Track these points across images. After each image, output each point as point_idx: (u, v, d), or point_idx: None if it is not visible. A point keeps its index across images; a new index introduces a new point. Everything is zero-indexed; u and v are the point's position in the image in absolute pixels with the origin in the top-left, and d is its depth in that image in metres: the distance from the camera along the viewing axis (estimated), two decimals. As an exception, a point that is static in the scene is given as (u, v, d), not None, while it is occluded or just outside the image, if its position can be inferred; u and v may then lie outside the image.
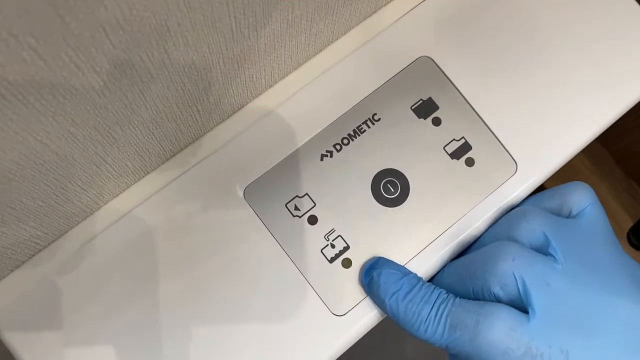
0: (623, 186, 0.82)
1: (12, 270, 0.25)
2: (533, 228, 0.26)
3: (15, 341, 0.26)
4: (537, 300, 0.23)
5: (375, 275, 0.26)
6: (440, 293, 0.25)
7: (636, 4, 0.31)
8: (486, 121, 0.30)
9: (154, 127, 0.23)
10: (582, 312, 0.23)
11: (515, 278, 0.24)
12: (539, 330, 0.23)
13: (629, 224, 0.80)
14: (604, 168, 0.82)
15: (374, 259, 0.27)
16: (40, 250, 0.26)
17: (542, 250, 0.25)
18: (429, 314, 0.24)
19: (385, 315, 0.28)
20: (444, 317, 0.24)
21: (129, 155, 0.24)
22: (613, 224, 0.76)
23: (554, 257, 0.25)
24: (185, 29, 0.18)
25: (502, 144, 0.30)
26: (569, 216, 0.27)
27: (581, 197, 0.27)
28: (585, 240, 0.26)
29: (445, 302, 0.24)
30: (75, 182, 0.22)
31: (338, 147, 0.29)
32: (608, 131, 0.78)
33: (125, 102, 0.20)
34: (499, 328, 0.23)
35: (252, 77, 0.26)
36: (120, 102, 0.20)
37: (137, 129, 0.22)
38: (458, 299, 0.24)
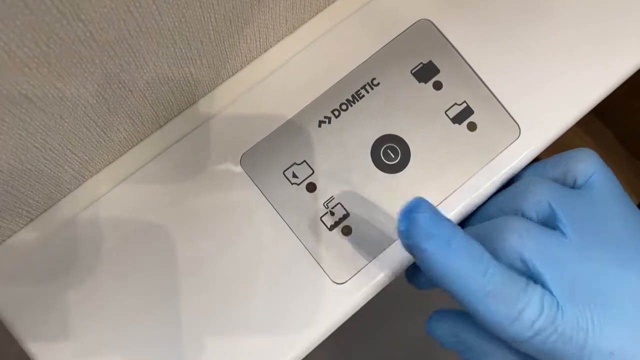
0: (627, 165, 0.82)
1: (3, 240, 0.25)
2: (539, 200, 0.25)
3: (8, 311, 0.25)
4: (553, 281, 0.22)
5: (416, 217, 0.23)
6: (489, 256, 0.23)
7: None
8: (489, 85, 0.29)
9: (145, 89, 0.22)
10: (596, 289, 0.22)
11: (523, 258, 0.23)
12: (564, 312, 0.22)
13: (634, 201, 0.79)
14: (607, 147, 0.81)
15: (413, 201, 0.24)
16: (32, 220, 0.25)
17: (549, 223, 0.25)
18: (472, 273, 0.23)
19: (386, 283, 0.27)
20: (482, 282, 0.22)
21: (120, 119, 0.23)
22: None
23: (562, 231, 0.24)
24: (173, -24, 0.18)
25: (505, 108, 0.29)
26: (574, 185, 0.26)
27: (586, 165, 0.26)
28: (595, 211, 0.25)
29: (484, 264, 0.23)
30: (65, 145, 0.22)
31: (336, 113, 0.28)
32: (611, 111, 0.77)
33: (114, 57, 0.19)
34: (538, 309, 0.22)
35: (246, 39, 0.25)
36: (108, 58, 0.19)
37: (128, 89, 0.21)
38: (505, 268, 0.23)
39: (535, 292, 0.22)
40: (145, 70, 0.21)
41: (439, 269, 0.23)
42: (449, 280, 0.23)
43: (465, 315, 0.26)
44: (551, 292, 0.22)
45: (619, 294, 0.22)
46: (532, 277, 0.23)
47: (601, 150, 0.81)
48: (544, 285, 0.23)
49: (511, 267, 0.23)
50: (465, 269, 0.22)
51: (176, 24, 0.20)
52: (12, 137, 0.19)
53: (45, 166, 0.22)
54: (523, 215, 0.26)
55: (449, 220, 0.23)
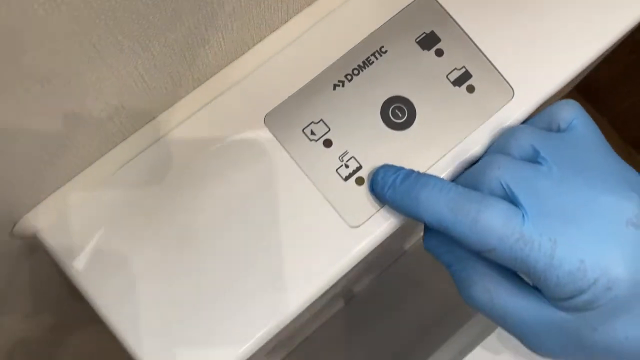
0: (621, 152, 0.85)
1: (57, 189, 0.28)
2: (522, 143, 0.29)
3: (62, 253, 0.28)
4: (524, 200, 0.26)
5: (374, 175, 0.29)
6: (440, 179, 0.28)
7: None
8: (484, 51, 0.32)
9: (185, 47, 0.26)
10: (568, 207, 0.26)
11: (501, 183, 0.27)
12: (530, 222, 0.25)
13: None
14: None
15: (375, 169, 0.30)
16: (82, 171, 0.29)
17: (532, 161, 0.28)
18: (429, 196, 0.27)
19: (397, 226, 0.30)
20: (444, 200, 0.26)
21: (163, 76, 0.26)
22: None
23: (542, 164, 0.27)
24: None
25: (499, 72, 0.32)
26: (558, 131, 0.30)
27: (567, 112, 0.29)
28: (574, 149, 0.28)
29: (447, 187, 0.27)
30: (119, 99, 0.25)
31: (349, 77, 0.32)
32: (604, 97, 0.81)
33: (165, 15, 0.23)
34: (498, 217, 0.25)
35: (270, 8, 0.28)
36: (161, 14, 0.22)
37: (171, 47, 0.25)
38: (460, 187, 0.27)
39: (496, 202, 0.25)
40: (185, 27, 0.25)
41: (398, 207, 0.28)
42: (416, 209, 0.27)
43: None
44: (522, 207, 0.25)
45: (590, 211, 0.25)
46: (509, 200, 0.26)
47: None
48: (517, 204, 0.26)
49: (492, 195, 0.27)
50: (427, 193, 0.27)
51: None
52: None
53: (100, 115, 0.25)
54: None
55: (402, 168, 0.29)
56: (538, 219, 0.25)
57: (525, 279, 0.28)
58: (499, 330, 0.49)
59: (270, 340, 0.29)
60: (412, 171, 0.29)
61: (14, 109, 0.21)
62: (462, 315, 0.54)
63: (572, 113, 0.29)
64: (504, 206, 0.26)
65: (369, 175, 0.30)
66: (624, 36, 0.35)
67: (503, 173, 0.27)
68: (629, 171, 0.28)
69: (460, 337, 0.52)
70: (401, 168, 0.29)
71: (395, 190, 0.28)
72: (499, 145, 0.30)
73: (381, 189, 0.29)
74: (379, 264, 0.73)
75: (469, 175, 0.29)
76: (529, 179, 0.26)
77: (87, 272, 0.28)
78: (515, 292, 0.27)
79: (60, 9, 0.18)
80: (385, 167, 0.30)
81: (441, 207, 0.26)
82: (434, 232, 0.30)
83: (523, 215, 0.25)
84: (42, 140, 0.24)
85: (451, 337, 0.54)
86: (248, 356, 0.28)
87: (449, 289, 0.64)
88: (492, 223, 0.25)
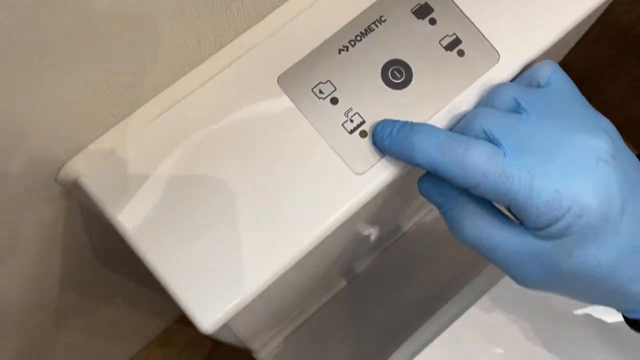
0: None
1: (110, 128, 0.32)
2: (505, 97, 0.32)
3: (102, 198, 0.32)
4: (505, 141, 0.29)
5: (375, 128, 0.33)
6: (431, 126, 0.31)
7: None
8: (472, 19, 0.36)
9: (210, 11, 0.30)
10: (544, 145, 0.29)
11: (484, 130, 0.30)
12: (511, 159, 0.29)
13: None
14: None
15: (375, 123, 0.34)
16: (117, 123, 0.32)
17: (514, 112, 0.32)
18: (421, 140, 0.30)
19: (396, 174, 0.34)
20: (435, 143, 0.30)
21: (191, 37, 0.30)
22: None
23: (522, 113, 0.31)
24: None
25: (486, 38, 0.36)
26: (538, 87, 0.34)
27: (546, 69, 0.33)
28: (552, 100, 0.32)
29: (437, 132, 0.31)
30: (149, 50, 0.29)
31: (352, 42, 0.35)
32: (595, 85, 0.85)
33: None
34: (482, 155, 0.29)
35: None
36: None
37: (199, 10, 0.29)
38: (449, 132, 0.31)
39: (480, 143, 0.29)
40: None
41: (395, 153, 0.32)
42: (411, 153, 0.31)
43: None
44: (503, 147, 0.29)
45: (564, 149, 0.29)
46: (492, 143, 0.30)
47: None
48: (498, 145, 0.29)
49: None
50: (420, 138, 0.30)
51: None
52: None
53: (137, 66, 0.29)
54: None
55: (398, 120, 0.33)
56: (517, 156, 0.29)
57: (510, 215, 0.32)
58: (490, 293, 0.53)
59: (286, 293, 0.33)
60: (407, 122, 0.33)
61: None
62: (457, 288, 0.57)
63: (550, 70, 0.33)
64: (487, 146, 0.29)
65: (370, 128, 0.34)
66: (601, 7, 0.39)
67: (487, 121, 0.30)
68: (601, 117, 0.32)
69: (456, 300, 0.56)
70: (398, 121, 0.33)
71: (393, 139, 0.32)
72: (485, 100, 0.34)
73: (380, 139, 0.33)
74: (379, 242, 0.77)
75: (458, 127, 0.33)
76: (510, 124, 0.30)
77: (125, 215, 0.32)
78: (500, 226, 0.31)
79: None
80: (384, 121, 0.34)
81: (432, 150, 0.30)
82: (428, 177, 0.34)
83: (504, 154, 0.29)
84: (92, 87, 0.27)
85: (445, 305, 0.57)
86: (278, 275, 0.31)
87: (444, 268, 0.68)
88: (477, 160, 0.29)
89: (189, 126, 0.33)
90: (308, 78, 0.35)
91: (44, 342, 0.54)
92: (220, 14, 0.31)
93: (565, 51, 0.52)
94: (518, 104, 0.32)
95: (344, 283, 0.78)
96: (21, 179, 0.31)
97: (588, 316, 0.51)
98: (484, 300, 0.53)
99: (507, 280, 0.52)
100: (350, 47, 0.35)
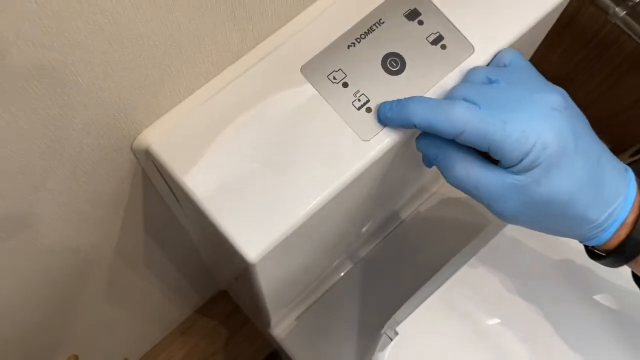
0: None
1: (173, 107, 0.41)
2: (478, 76, 0.42)
3: (172, 163, 0.41)
4: (479, 100, 0.39)
5: (379, 108, 0.43)
6: (422, 96, 0.41)
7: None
8: (451, 20, 0.46)
9: (250, 14, 0.39)
10: (511, 102, 0.38)
11: (463, 97, 0.40)
12: (485, 111, 0.38)
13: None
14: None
15: (379, 104, 0.44)
16: (181, 101, 0.42)
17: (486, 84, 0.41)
18: (416, 106, 0.40)
19: (397, 140, 0.43)
20: (427, 106, 0.39)
21: (237, 31, 0.40)
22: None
23: (492, 83, 0.41)
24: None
25: (463, 35, 0.46)
26: (504, 67, 0.43)
27: (507, 53, 0.43)
28: (515, 73, 0.41)
29: (427, 99, 0.40)
30: (209, 42, 0.38)
31: (358, 39, 0.45)
32: (568, 87, 0.95)
33: None
34: (463, 108, 0.38)
35: (306, -9, 0.42)
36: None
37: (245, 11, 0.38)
38: (437, 98, 0.40)
39: (461, 102, 0.38)
40: None
41: (391, 123, 0.42)
42: (408, 118, 0.40)
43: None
44: (478, 104, 0.38)
45: (526, 103, 0.38)
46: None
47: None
48: (474, 103, 0.39)
49: None
50: (415, 105, 0.40)
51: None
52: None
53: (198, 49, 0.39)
54: None
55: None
56: (491, 110, 0.38)
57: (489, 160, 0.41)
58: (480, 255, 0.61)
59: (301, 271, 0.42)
60: (403, 98, 0.42)
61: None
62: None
63: (511, 53, 0.43)
64: (466, 103, 0.39)
65: (375, 107, 0.44)
66: (558, 8, 0.49)
67: (464, 90, 0.40)
68: (554, 85, 0.41)
69: (448, 266, 0.64)
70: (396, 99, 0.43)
71: (393, 110, 0.42)
72: (462, 79, 0.44)
73: (383, 113, 0.43)
74: (381, 229, 0.86)
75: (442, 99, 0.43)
76: (482, 90, 0.40)
77: (189, 175, 0.41)
78: (483, 167, 0.40)
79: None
80: (386, 101, 0.43)
81: (425, 111, 0.39)
82: (423, 135, 0.43)
83: (480, 107, 0.38)
84: (169, 69, 0.37)
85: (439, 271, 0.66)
86: (307, 217, 0.41)
87: (439, 251, 0.76)
88: (459, 112, 0.38)
89: (236, 104, 0.43)
90: (324, 67, 0.44)
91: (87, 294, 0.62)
92: (258, 17, 0.40)
93: (533, 48, 0.61)
94: (489, 79, 0.41)
95: (349, 266, 0.87)
96: (103, 147, 0.40)
97: (574, 274, 0.60)
98: (474, 261, 0.62)
99: (495, 241, 0.61)
100: (356, 43, 0.45)
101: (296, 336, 0.85)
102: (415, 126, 0.41)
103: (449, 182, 0.42)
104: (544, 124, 0.37)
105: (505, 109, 0.38)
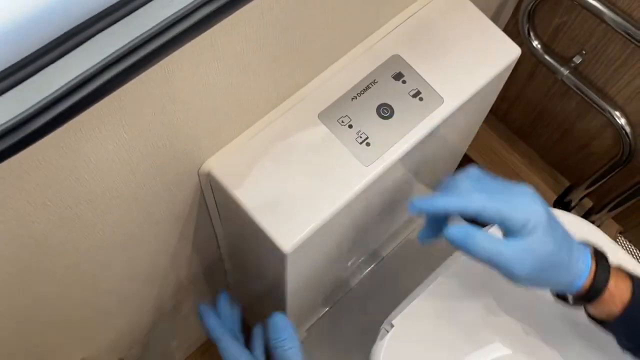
0: (548, 173, 1.16)
1: (229, 142, 0.58)
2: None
3: (231, 185, 0.57)
4: (482, 191, 0.53)
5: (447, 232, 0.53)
6: (446, 194, 0.55)
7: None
8: (426, 79, 0.63)
9: (279, 81, 0.56)
10: (503, 189, 0.53)
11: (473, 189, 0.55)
12: (491, 196, 0.52)
13: (553, 197, 1.13)
14: (531, 161, 1.16)
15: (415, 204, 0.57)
16: (236, 137, 0.58)
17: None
18: (448, 203, 0.53)
19: (391, 163, 0.60)
20: (454, 201, 0.53)
21: (273, 90, 0.57)
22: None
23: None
24: None
25: (435, 90, 0.63)
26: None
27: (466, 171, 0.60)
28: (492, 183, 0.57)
29: (450, 195, 0.55)
30: (255, 94, 0.55)
31: (359, 94, 0.62)
32: (532, 133, 1.17)
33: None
34: (478, 193, 0.52)
35: (320, 58, 0.60)
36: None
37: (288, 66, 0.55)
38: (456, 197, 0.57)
39: (475, 192, 0.53)
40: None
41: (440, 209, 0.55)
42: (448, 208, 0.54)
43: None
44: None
45: (515, 189, 0.52)
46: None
47: (528, 164, 1.16)
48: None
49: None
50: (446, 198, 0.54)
51: (304, 48, 0.54)
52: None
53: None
54: None
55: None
56: (494, 195, 0.52)
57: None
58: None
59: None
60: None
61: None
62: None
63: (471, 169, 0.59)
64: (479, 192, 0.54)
65: (418, 200, 0.60)
66: (508, 68, 0.66)
67: (472, 184, 0.54)
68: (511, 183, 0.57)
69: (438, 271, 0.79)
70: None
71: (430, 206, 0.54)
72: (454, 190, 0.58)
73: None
74: (375, 254, 1.01)
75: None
76: (479, 184, 0.54)
77: (246, 194, 0.57)
78: (502, 240, 0.51)
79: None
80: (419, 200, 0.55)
81: (454, 201, 0.53)
82: (450, 227, 0.54)
83: (487, 194, 0.53)
84: (231, 109, 0.54)
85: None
86: (328, 218, 0.56)
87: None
88: (477, 197, 0.51)
89: (273, 140, 0.59)
90: (335, 114, 0.61)
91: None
92: (289, 79, 0.58)
93: (493, 98, 0.79)
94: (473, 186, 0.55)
95: (355, 281, 1.02)
96: (176, 172, 0.56)
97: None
98: (463, 259, 0.76)
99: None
100: (358, 97, 0.62)
101: (307, 346, 0.99)
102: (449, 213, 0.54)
103: (475, 254, 0.51)
104: (533, 200, 0.52)
105: (502, 194, 0.52)
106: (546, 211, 0.52)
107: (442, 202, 0.53)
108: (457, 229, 0.52)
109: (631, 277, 0.54)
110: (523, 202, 0.52)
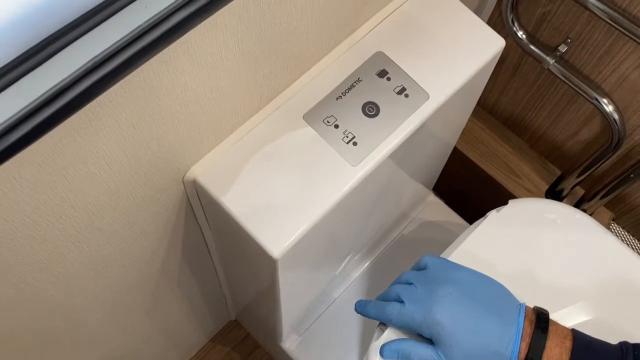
0: (538, 163, 1.16)
1: (213, 147, 0.57)
2: (404, 278, 0.60)
3: (215, 190, 0.56)
4: (404, 297, 0.57)
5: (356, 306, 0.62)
6: (375, 300, 0.60)
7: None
8: (410, 75, 0.63)
9: (271, 77, 0.55)
10: (421, 296, 0.55)
11: (395, 295, 0.58)
12: (406, 306, 0.56)
13: (544, 186, 1.13)
14: (522, 152, 1.16)
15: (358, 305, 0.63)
16: (219, 143, 0.57)
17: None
18: (369, 310, 0.60)
19: (377, 163, 0.59)
20: (373, 309, 0.59)
21: (255, 93, 0.56)
22: (533, 189, 1.16)
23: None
24: None
25: (420, 86, 0.62)
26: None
27: (424, 259, 0.61)
28: (427, 273, 0.59)
29: (374, 303, 0.59)
30: (237, 94, 0.54)
31: (344, 93, 0.61)
32: (521, 124, 1.18)
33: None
34: (390, 306, 0.57)
35: (309, 56, 0.59)
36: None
37: (274, 73, 0.54)
38: (380, 302, 0.59)
39: (391, 303, 0.57)
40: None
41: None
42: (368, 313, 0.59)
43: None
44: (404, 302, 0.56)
45: (430, 297, 0.55)
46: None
47: (518, 154, 1.15)
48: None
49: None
50: (370, 307, 0.59)
51: (285, 49, 0.54)
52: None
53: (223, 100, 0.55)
54: None
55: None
56: (412, 304, 0.56)
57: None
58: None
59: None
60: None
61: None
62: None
63: (427, 258, 0.60)
64: (394, 303, 0.58)
65: (359, 156, 0.59)
66: (491, 62, 0.66)
67: (396, 290, 0.59)
68: (456, 273, 0.58)
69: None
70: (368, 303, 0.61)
71: (361, 309, 0.62)
72: (396, 280, 0.62)
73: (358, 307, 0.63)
74: (373, 248, 1.00)
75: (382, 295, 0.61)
76: (405, 290, 0.58)
77: (233, 200, 0.56)
78: (418, 343, 0.56)
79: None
80: (358, 302, 0.62)
81: (373, 311, 0.60)
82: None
83: (405, 303, 0.56)
84: (216, 118, 0.53)
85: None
86: (317, 221, 0.55)
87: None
88: (388, 310, 0.58)
89: (258, 144, 0.58)
90: (320, 115, 0.60)
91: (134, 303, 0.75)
92: (272, 81, 0.57)
93: (479, 91, 0.78)
94: (408, 282, 0.58)
95: (349, 282, 1.01)
96: (160, 182, 0.55)
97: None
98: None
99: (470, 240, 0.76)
100: (343, 96, 0.61)
101: (304, 348, 0.98)
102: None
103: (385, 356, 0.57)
104: (438, 308, 0.54)
105: (418, 303, 0.55)
106: (453, 314, 0.54)
107: (369, 311, 0.61)
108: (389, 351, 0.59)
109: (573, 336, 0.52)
110: (430, 311, 0.54)
